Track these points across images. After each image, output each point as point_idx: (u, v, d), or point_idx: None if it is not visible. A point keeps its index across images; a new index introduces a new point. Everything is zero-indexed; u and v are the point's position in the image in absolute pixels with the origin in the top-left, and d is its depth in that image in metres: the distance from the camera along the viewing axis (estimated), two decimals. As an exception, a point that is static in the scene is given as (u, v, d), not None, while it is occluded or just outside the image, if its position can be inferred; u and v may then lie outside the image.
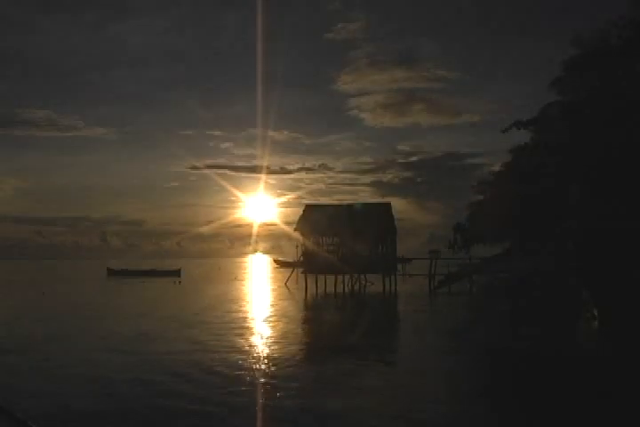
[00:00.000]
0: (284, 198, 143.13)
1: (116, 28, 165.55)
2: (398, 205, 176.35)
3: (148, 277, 53.92)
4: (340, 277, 37.24)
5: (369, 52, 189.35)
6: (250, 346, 14.87)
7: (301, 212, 39.68)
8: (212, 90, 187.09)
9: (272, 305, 28.62)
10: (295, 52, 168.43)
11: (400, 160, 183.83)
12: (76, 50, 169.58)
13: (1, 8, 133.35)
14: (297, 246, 38.91)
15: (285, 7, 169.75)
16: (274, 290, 39.61)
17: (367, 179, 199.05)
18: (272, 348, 14.32)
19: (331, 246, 38.49)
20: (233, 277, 61.14)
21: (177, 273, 57.26)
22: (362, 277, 37.81)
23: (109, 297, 34.36)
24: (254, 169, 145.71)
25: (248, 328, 18.50)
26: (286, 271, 47.20)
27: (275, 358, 12.79)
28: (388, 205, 39.95)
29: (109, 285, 48.33)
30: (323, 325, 20.30)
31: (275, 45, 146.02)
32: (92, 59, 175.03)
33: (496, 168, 41.34)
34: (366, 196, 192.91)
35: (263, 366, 11.81)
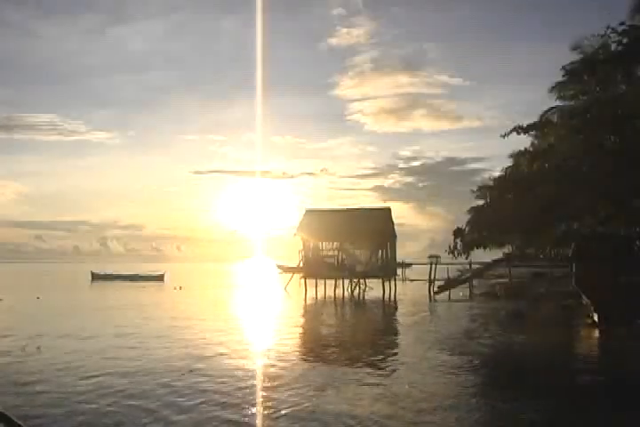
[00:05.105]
0: (284, 203, 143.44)
1: (115, 33, 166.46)
2: (400, 209, 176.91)
3: (131, 281, 53.91)
4: (339, 282, 37.24)
5: (371, 57, 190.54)
6: (246, 354, 14.80)
7: (302, 216, 39.70)
8: (212, 94, 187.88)
9: (271, 311, 28.61)
10: (298, 56, 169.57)
11: (401, 165, 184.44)
12: (77, 55, 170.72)
13: (3, 13, 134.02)
14: (299, 251, 38.92)
15: (288, 12, 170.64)
16: (273, 295, 39.53)
17: (369, 184, 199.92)
18: (269, 356, 14.14)
19: (330, 251, 38.49)
20: (232, 282, 61.12)
21: (160, 278, 57.25)
22: (361, 281, 37.80)
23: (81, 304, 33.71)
24: (255, 174, 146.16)
25: (239, 337, 18.35)
26: (288, 276, 47.12)
27: (272, 365, 12.67)
28: (387, 210, 39.98)
29: (91, 290, 47.52)
30: (321, 332, 20.23)
31: (276, 50, 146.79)
32: (94, 63, 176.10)
33: (496, 173, 41.57)
34: (368, 200, 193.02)
35: (259, 377, 11.57)
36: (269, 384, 10.51)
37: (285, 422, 8.14)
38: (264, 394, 9.76)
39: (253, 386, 10.45)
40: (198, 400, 9.27)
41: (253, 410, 8.80)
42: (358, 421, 8.20)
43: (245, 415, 8.49)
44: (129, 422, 8.04)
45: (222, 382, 10.62)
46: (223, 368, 12.09)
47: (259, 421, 8.29)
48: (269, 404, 9.07)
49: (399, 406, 8.99)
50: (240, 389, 10.15)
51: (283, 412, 8.58)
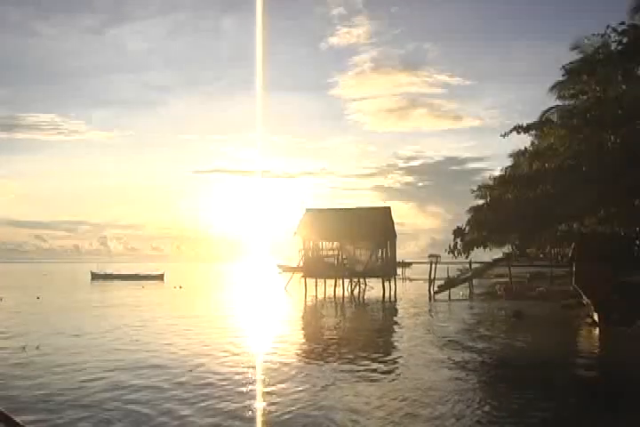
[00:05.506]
0: (284, 202, 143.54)
1: (115, 33, 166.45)
2: (400, 209, 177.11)
3: (131, 281, 54.02)
4: (339, 282, 37.24)
5: (371, 57, 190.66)
6: (251, 352, 14.79)
7: (302, 216, 39.68)
8: (212, 94, 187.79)
9: (272, 310, 28.62)
10: (298, 56, 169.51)
11: (401, 165, 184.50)
12: (77, 54, 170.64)
13: (3, 13, 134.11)
14: (299, 251, 38.93)
15: (288, 12, 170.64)
16: (273, 294, 39.52)
17: (369, 183, 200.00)
18: (267, 358, 13.99)
19: (331, 250, 38.51)
20: (232, 281, 61.13)
21: (160, 277, 57.28)
22: (361, 281, 37.82)
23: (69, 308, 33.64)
24: (255, 173, 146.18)
25: (242, 335, 18.32)
26: (288, 276, 47.12)
27: (270, 369, 12.50)
28: (387, 210, 40.00)
29: (91, 289, 47.34)
30: (324, 331, 20.24)
31: (276, 50, 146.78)
32: (94, 63, 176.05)
33: (496, 173, 41.57)
34: (368, 200, 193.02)
35: (258, 377, 11.48)
36: (277, 383, 10.51)
37: (297, 419, 8.17)
38: (274, 392, 9.77)
39: (262, 384, 10.45)
40: (206, 399, 9.30)
41: (264, 408, 8.82)
42: (372, 420, 8.22)
43: (256, 414, 8.53)
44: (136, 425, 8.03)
45: (229, 380, 10.64)
46: (229, 366, 12.10)
47: (270, 418, 8.30)
48: (280, 402, 9.10)
49: (413, 406, 8.98)
50: (249, 387, 10.18)
51: (295, 412, 8.59)
